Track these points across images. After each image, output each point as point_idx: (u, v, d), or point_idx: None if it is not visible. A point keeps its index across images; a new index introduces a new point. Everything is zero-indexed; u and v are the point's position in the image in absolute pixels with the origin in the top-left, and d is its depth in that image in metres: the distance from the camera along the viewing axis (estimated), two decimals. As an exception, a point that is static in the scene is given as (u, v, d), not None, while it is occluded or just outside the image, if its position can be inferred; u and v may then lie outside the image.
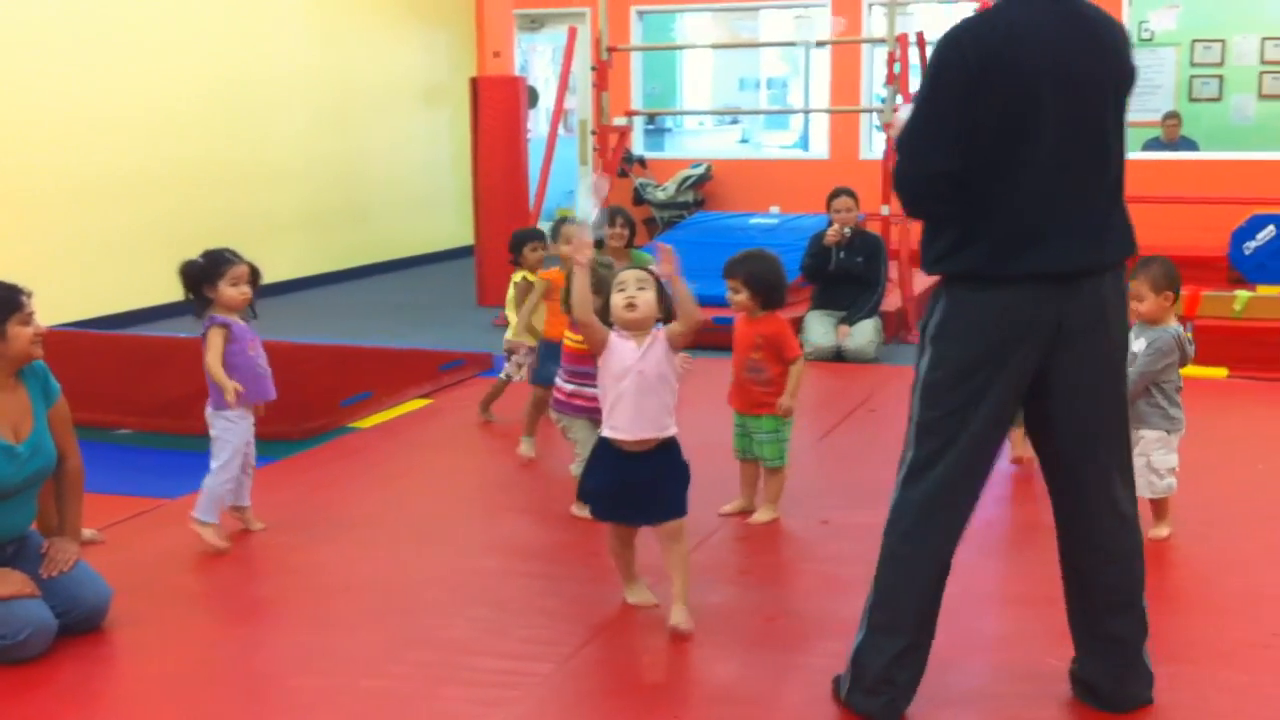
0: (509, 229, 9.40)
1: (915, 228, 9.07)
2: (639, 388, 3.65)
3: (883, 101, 9.46)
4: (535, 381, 5.54)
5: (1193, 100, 12.44)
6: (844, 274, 7.88)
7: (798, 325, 7.80)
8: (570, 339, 4.66)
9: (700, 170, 13.10)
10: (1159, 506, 4.40)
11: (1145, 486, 4.17)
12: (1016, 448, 5.17)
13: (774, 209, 11.58)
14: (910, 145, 3.01)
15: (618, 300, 3.69)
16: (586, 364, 4.27)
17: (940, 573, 3.12)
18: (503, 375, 6.10)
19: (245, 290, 4.49)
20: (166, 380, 5.83)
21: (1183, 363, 4.38)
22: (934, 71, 2.98)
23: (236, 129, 10.45)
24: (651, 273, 3.75)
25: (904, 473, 3.13)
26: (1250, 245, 10.30)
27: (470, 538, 4.71)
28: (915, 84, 9.92)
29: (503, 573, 4.34)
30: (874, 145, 12.41)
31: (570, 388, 4.66)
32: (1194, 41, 12.34)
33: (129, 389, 6.08)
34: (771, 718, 3.28)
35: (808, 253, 7.99)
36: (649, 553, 3.91)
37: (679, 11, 14.66)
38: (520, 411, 5.67)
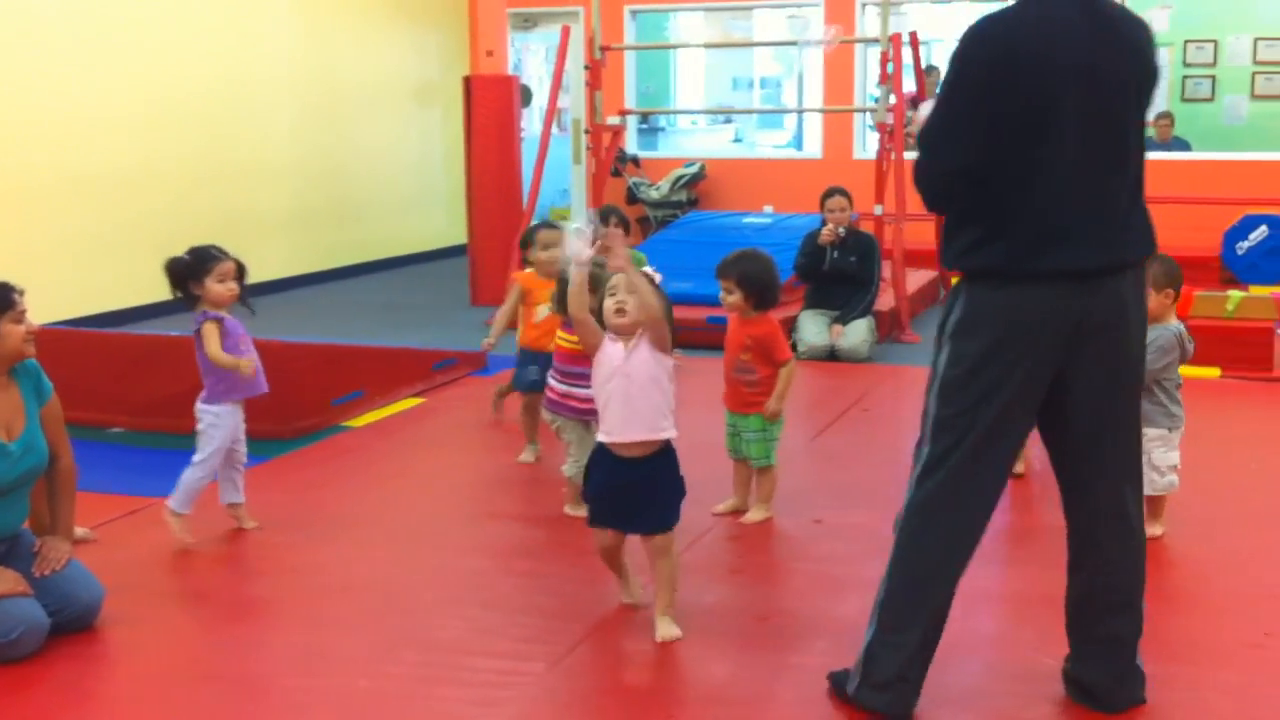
0: (502, 228, 9.40)
1: (909, 228, 9.11)
2: (625, 390, 3.63)
3: (876, 101, 9.47)
4: (515, 388, 5.54)
5: (1185, 100, 12.46)
6: (838, 274, 7.88)
7: (791, 324, 7.81)
8: (564, 339, 4.66)
9: (694, 169, 13.10)
10: (1154, 505, 4.40)
11: (1146, 484, 4.17)
12: (1019, 462, 5.16)
13: (767, 208, 11.58)
14: (931, 141, 3.01)
15: (608, 305, 3.65)
16: (579, 364, 4.27)
17: (954, 571, 3.11)
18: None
19: (232, 286, 4.48)
20: (159, 379, 5.82)
21: (1183, 360, 4.40)
22: (956, 67, 2.97)
23: (229, 127, 10.43)
24: (646, 274, 3.73)
25: (920, 469, 3.11)
26: (1243, 245, 10.33)
27: (463, 537, 4.71)
28: (908, 84, 9.95)
29: (496, 572, 4.34)
30: (867, 145, 12.41)
31: (562, 388, 4.65)
32: (1186, 42, 12.37)
33: (121, 387, 6.06)
34: (765, 717, 3.28)
35: (801, 252, 8.00)
36: (641, 555, 3.91)
37: (672, 11, 14.66)
38: (517, 412, 5.66)
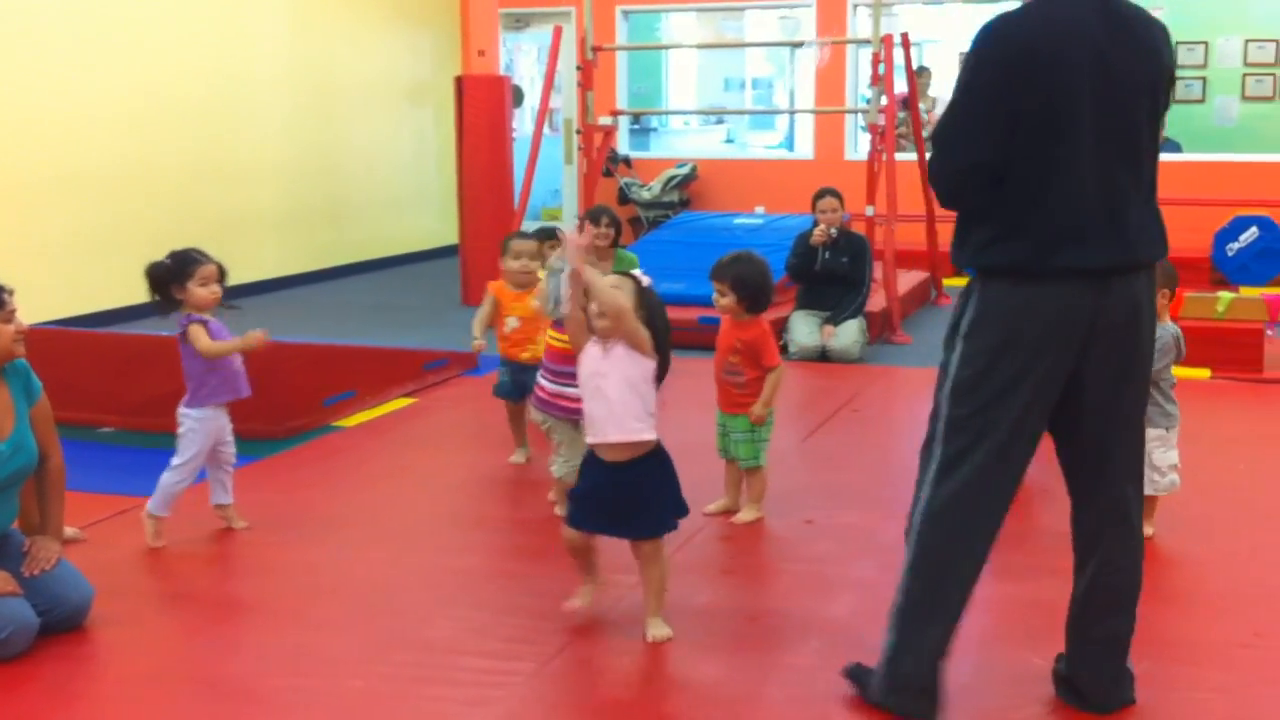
0: (494, 228, 9.40)
1: (900, 229, 9.11)
2: (600, 389, 3.61)
3: (867, 102, 9.47)
4: (497, 395, 5.53)
5: (1176, 102, 12.43)
6: (829, 274, 7.88)
7: (783, 325, 7.81)
8: (555, 338, 4.65)
9: (685, 170, 13.10)
10: (1147, 505, 4.40)
11: (1147, 484, 4.18)
12: None
13: (759, 209, 11.59)
14: (946, 137, 3.01)
15: (592, 309, 3.63)
16: (570, 364, 4.25)
17: (973, 571, 3.09)
18: None
19: (215, 289, 4.47)
20: (149, 379, 5.80)
21: (1177, 360, 4.42)
22: (972, 64, 2.96)
23: (220, 127, 10.41)
24: (633, 277, 3.71)
25: (933, 472, 3.09)
26: (1233, 247, 10.35)
27: (455, 537, 4.71)
28: (900, 85, 9.95)
29: (486, 572, 4.34)
30: (859, 146, 12.42)
31: (553, 388, 4.63)
32: (1177, 43, 12.36)
33: (111, 387, 6.05)
34: (756, 716, 3.29)
35: (793, 252, 8.00)
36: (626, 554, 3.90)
37: (664, 11, 14.66)
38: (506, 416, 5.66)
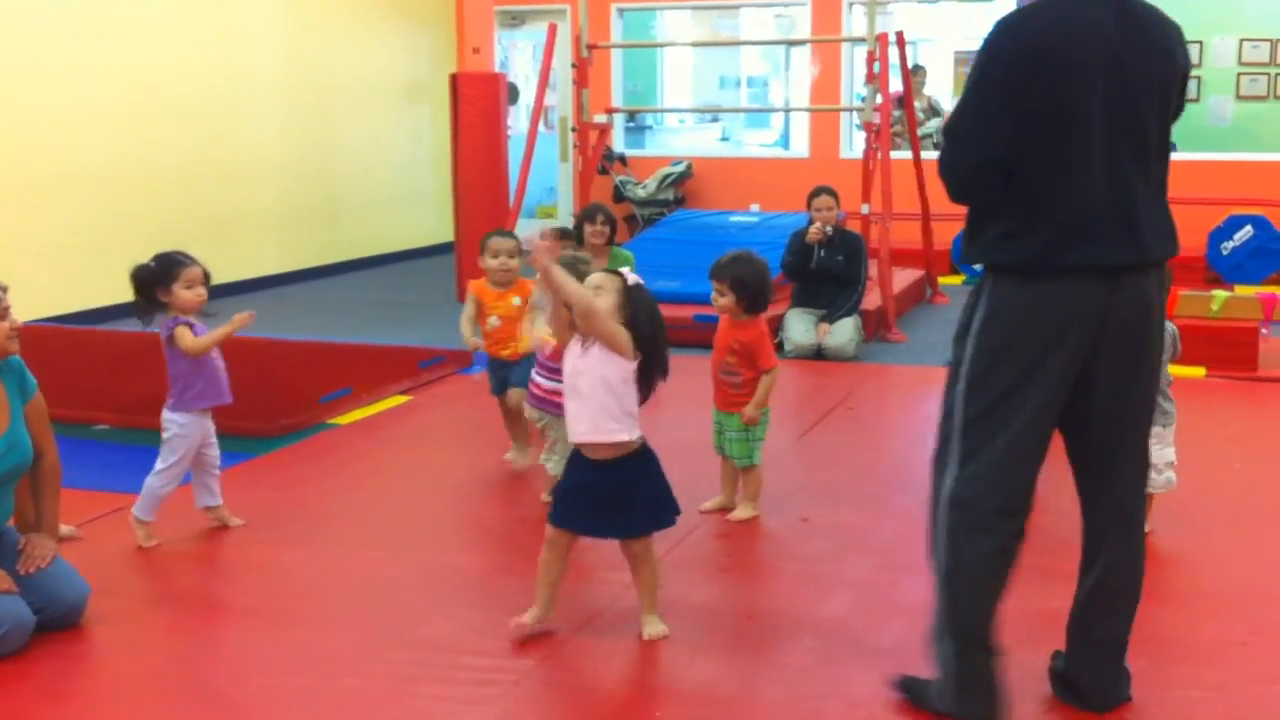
0: (489, 226, 9.39)
1: (895, 227, 9.11)
2: (576, 387, 3.60)
3: (862, 100, 9.47)
4: (494, 393, 5.53)
5: (1171, 101, 12.49)
6: (824, 272, 7.89)
7: (778, 323, 7.82)
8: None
9: (681, 168, 13.10)
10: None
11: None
12: None
13: (754, 207, 11.59)
14: (957, 133, 3.00)
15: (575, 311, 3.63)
16: (565, 361, 4.26)
17: (1007, 563, 3.07)
18: None
19: (200, 292, 4.45)
20: (144, 376, 5.78)
21: (1173, 358, 4.43)
22: (983, 61, 2.96)
23: (215, 125, 10.39)
24: (621, 275, 3.69)
25: (951, 467, 3.07)
26: (1228, 245, 10.37)
27: (449, 535, 4.71)
28: (895, 83, 9.95)
29: (481, 570, 4.34)
30: (854, 144, 12.42)
31: (548, 385, 4.63)
32: (1173, 43, 12.39)
33: (106, 384, 6.06)
34: (752, 714, 3.29)
35: (788, 251, 8.00)
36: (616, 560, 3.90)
37: (659, 9, 14.66)
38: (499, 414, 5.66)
